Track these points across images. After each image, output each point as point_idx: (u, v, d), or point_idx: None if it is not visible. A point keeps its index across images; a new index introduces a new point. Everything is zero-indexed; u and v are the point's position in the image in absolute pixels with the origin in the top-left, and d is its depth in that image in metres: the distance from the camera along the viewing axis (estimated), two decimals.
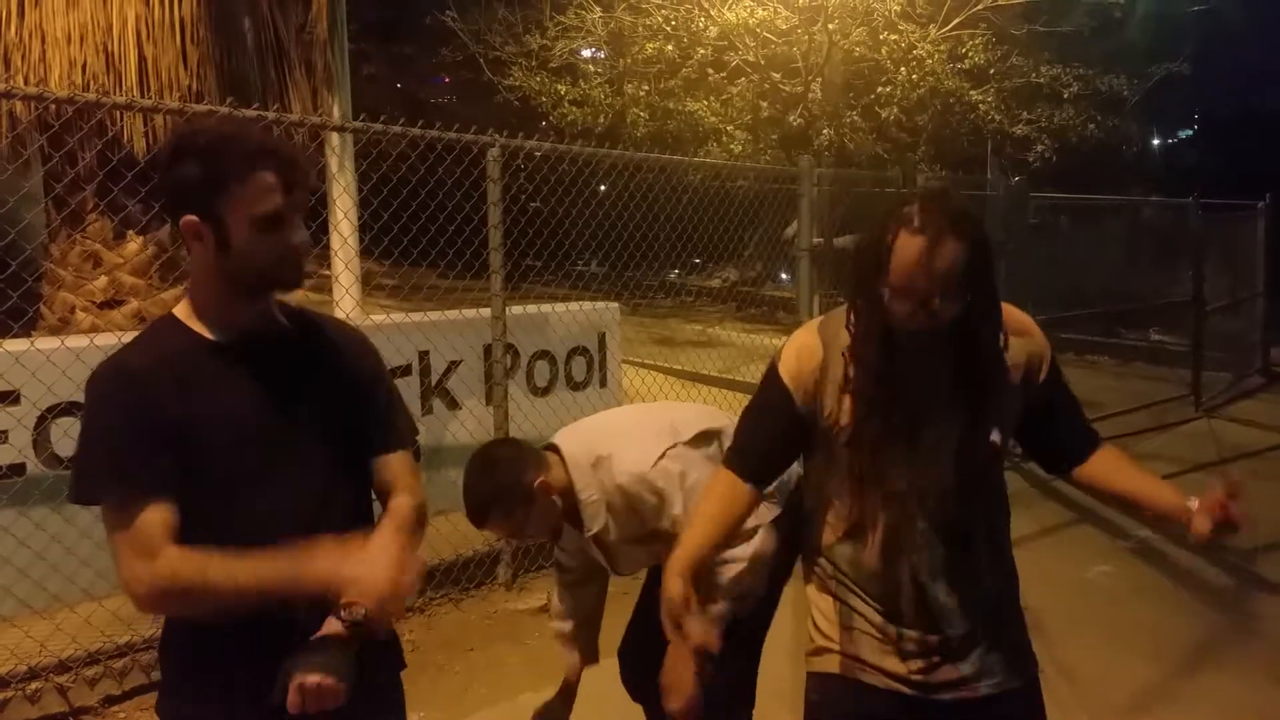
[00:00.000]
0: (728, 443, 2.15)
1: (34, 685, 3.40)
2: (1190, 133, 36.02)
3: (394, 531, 1.65)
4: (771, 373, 1.97)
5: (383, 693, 1.70)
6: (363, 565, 1.53)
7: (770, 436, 1.99)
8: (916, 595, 1.90)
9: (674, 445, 2.36)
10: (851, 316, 1.85)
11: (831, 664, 1.99)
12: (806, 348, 1.93)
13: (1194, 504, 1.84)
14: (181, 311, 1.65)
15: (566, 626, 2.71)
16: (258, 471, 1.59)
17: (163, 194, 1.61)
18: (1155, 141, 31.17)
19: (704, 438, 2.42)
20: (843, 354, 1.88)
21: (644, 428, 2.45)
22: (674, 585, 1.83)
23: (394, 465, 1.77)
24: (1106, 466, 1.98)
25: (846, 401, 1.87)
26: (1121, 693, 3.66)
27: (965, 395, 1.84)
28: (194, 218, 1.55)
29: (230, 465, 1.58)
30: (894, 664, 1.93)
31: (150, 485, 1.52)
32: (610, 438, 2.41)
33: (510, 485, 2.30)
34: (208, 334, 1.62)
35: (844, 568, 1.98)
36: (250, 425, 1.60)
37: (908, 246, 1.68)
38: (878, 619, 1.94)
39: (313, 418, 1.66)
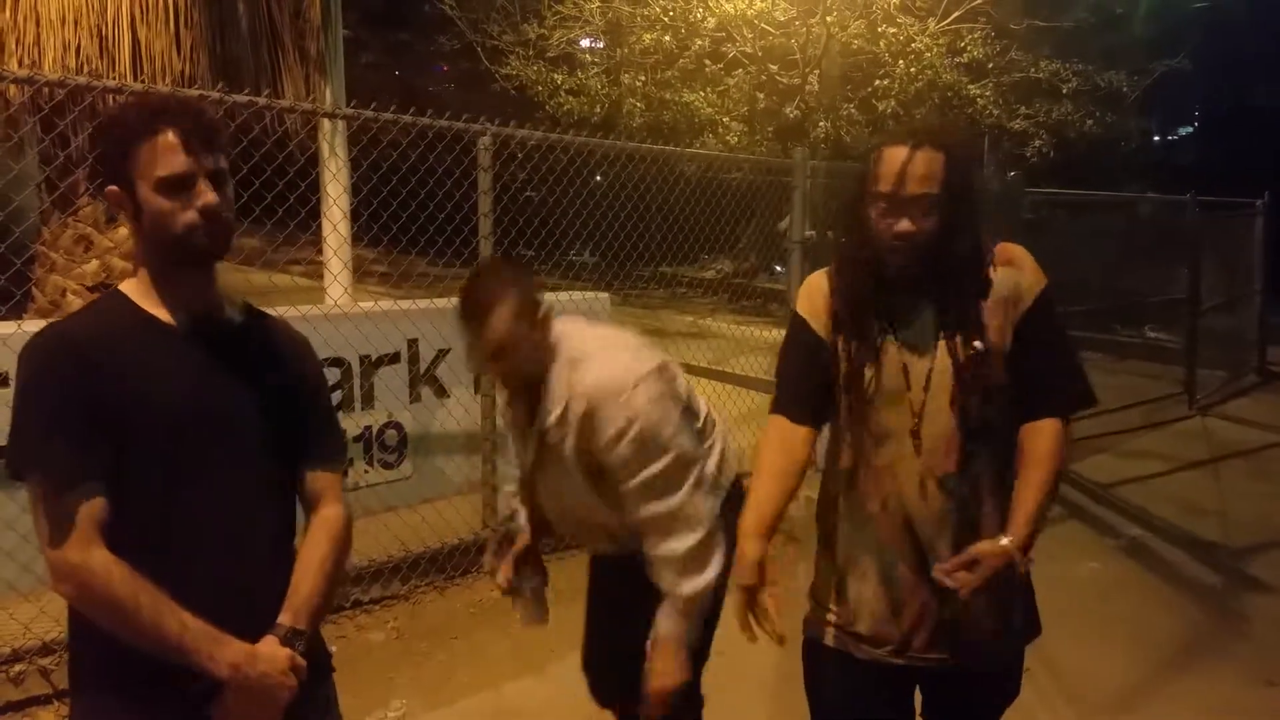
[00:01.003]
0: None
1: (18, 667, 3.41)
2: (1190, 129, 35.97)
3: (330, 555, 1.68)
4: (792, 316, 2.05)
5: (313, 699, 1.67)
6: (261, 679, 1.52)
7: (809, 372, 2.00)
8: (913, 545, 1.89)
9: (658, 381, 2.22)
10: (838, 253, 1.95)
11: (825, 634, 2.01)
12: (816, 286, 2.03)
13: (1001, 543, 1.82)
14: (129, 288, 1.61)
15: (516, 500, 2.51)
16: (196, 460, 1.55)
17: (92, 174, 1.60)
18: (1155, 138, 31.15)
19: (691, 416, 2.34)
20: (830, 290, 1.97)
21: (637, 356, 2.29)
22: (751, 548, 1.84)
23: (327, 476, 1.76)
24: (1023, 445, 1.89)
25: (841, 338, 1.94)
26: (1107, 689, 3.68)
27: (948, 316, 1.87)
28: (115, 188, 1.55)
29: (168, 450, 1.52)
30: (888, 633, 1.93)
31: (84, 465, 1.46)
32: (599, 343, 2.28)
33: (526, 294, 2.14)
34: (157, 313, 1.58)
35: (844, 522, 1.98)
36: (192, 411, 1.55)
37: (891, 156, 1.82)
38: (875, 582, 1.93)
39: (255, 414, 1.63)
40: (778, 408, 2.03)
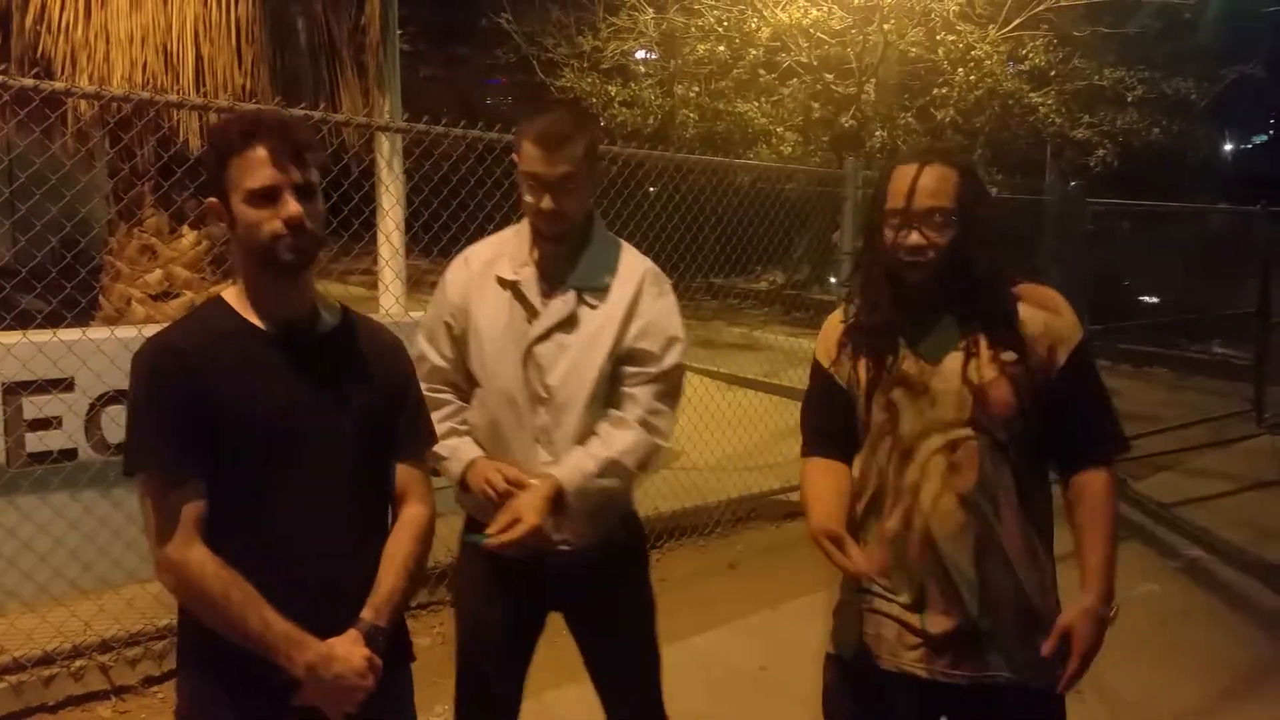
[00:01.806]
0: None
1: (78, 663, 3.51)
2: (1264, 138, 34.90)
3: (404, 560, 1.76)
4: (813, 360, 2.10)
5: (387, 687, 1.73)
6: (335, 680, 1.61)
7: (830, 414, 2.03)
8: (937, 564, 1.88)
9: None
10: (857, 275, 1.99)
11: (848, 650, 2.00)
12: (831, 323, 2.07)
13: (1085, 605, 1.84)
14: (230, 295, 1.71)
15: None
16: (287, 461, 1.64)
17: (199, 184, 1.70)
18: (1227, 147, 30.29)
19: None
20: (848, 313, 2.02)
21: None
22: (824, 526, 1.82)
23: (413, 472, 1.84)
24: (1072, 501, 1.92)
25: (861, 362, 1.97)
26: (1162, 714, 3.57)
27: (968, 333, 1.88)
28: (214, 199, 1.65)
29: (261, 452, 1.62)
30: (913, 648, 1.92)
31: (187, 465, 1.58)
32: None
33: (596, 137, 2.17)
34: (255, 320, 1.67)
35: (870, 542, 1.96)
36: (283, 415, 1.64)
37: (901, 174, 1.87)
38: (901, 599, 1.93)
39: (351, 414, 1.72)
40: (808, 451, 2.05)
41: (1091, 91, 13.70)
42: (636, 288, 2.20)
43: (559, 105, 2.18)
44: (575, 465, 2.10)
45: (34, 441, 3.81)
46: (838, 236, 6.56)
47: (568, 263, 2.18)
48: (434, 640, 3.98)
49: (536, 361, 2.14)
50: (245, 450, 1.61)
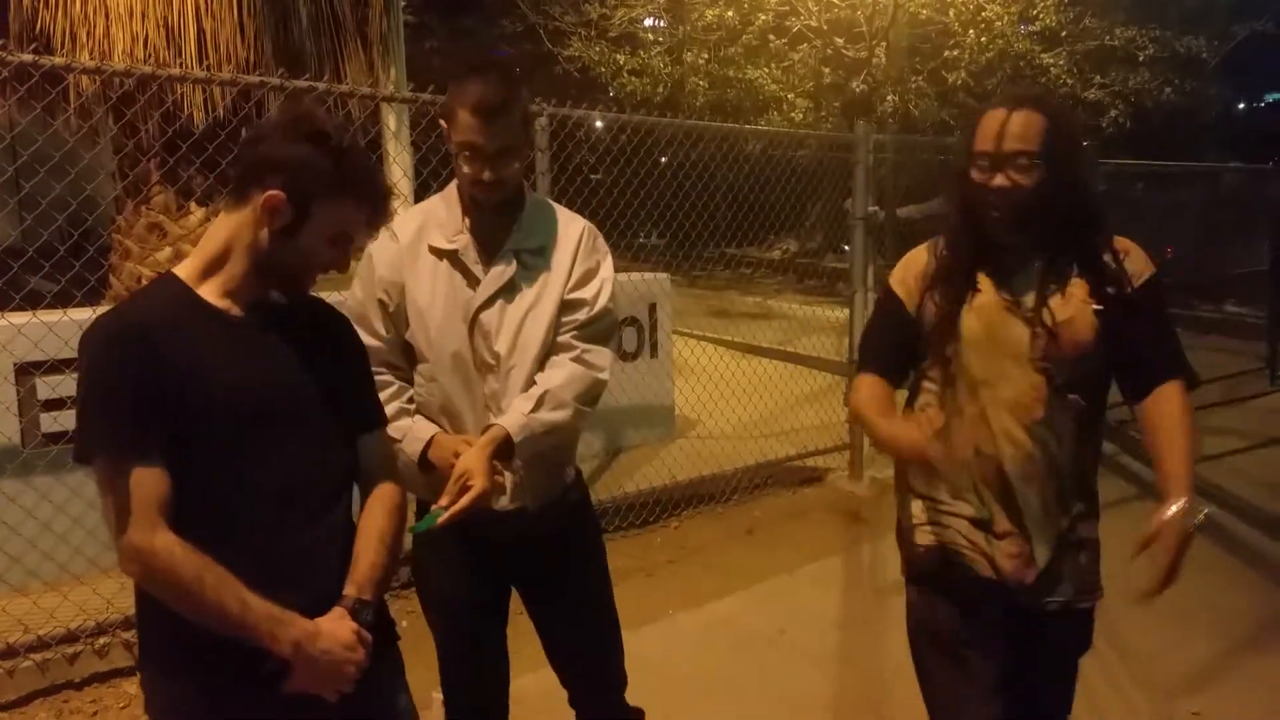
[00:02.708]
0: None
1: (102, 640, 3.53)
2: (1277, 96, 34.48)
3: (380, 535, 1.71)
4: (884, 287, 2.18)
5: (376, 670, 1.70)
6: (323, 655, 1.56)
7: (892, 340, 2.14)
8: (1004, 489, 1.99)
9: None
10: (946, 218, 2.07)
11: (927, 541, 2.10)
12: (913, 258, 2.14)
13: (1170, 512, 1.90)
14: (186, 273, 1.62)
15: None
16: (255, 439, 1.58)
17: (260, 158, 1.58)
18: (1240, 105, 29.93)
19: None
20: (935, 250, 2.09)
21: None
22: (908, 435, 1.94)
23: (378, 446, 1.81)
24: (1150, 415, 1.97)
25: (940, 297, 2.04)
26: (1178, 670, 3.58)
27: (1050, 271, 1.97)
28: (281, 195, 1.55)
29: (228, 432, 1.55)
30: (982, 571, 2.03)
31: (143, 444, 1.48)
32: None
33: (528, 103, 2.15)
34: (213, 300, 1.61)
35: (936, 468, 2.06)
36: (250, 394, 1.59)
37: (991, 117, 1.94)
38: (967, 523, 2.04)
39: (313, 390, 1.67)
40: (863, 366, 2.17)
41: (1103, 52, 13.55)
42: (575, 246, 2.20)
43: (490, 67, 2.04)
44: (515, 409, 2.08)
45: (48, 422, 3.82)
46: (850, 204, 6.52)
47: (503, 228, 2.14)
48: (410, 620, 4.00)
49: (482, 329, 2.11)
50: (210, 431, 1.53)
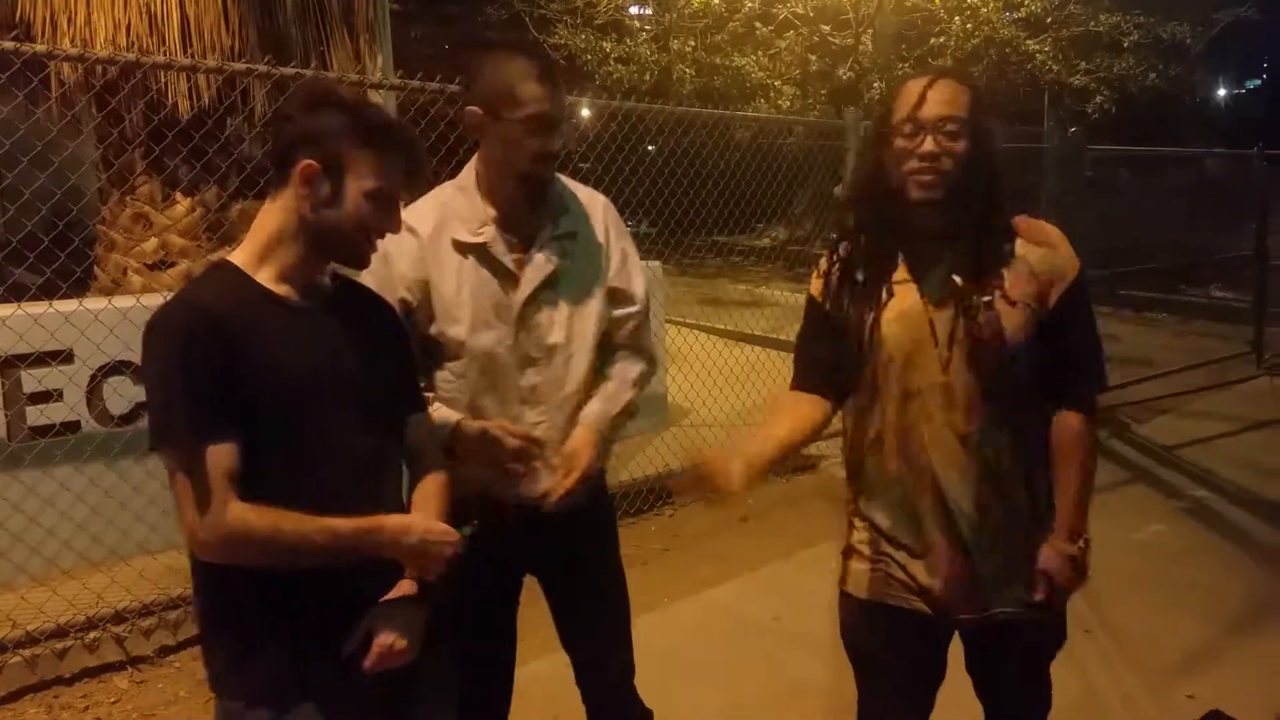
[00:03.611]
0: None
1: (92, 635, 3.51)
2: (1258, 82, 34.67)
3: (439, 499, 1.78)
4: (808, 295, 2.05)
5: (439, 662, 1.78)
6: (429, 531, 1.65)
7: (817, 345, 2.00)
8: (939, 504, 1.89)
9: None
10: (856, 202, 1.97)
11: (859, 586, 2.01)
12: (824, 261, 2.02)
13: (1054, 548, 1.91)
14: (241, 259, 1.65)
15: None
16: (321, 426, 1.63)
17: (289, 137, 1.61)
18: (1221, 92, 30.09)
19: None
20: (842, 247, 1.98)
21: None
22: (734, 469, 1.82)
23: (425, 424, 1.87)
24: (1053, 439, 1.93)
25: (860, 296, 1.92)
26: (1171, 653, 3.59)
27: (964, 268, 1.84)
28: (315, 163, 1.58)
29: (294, 418, 1.60)
30: (918, 592, 1.94)
31: (217, 428, 1.52)
32: None
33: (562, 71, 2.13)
34: (273, 288, 1.64)
35: (870, 483, 1.98)
36: (315, 380, 1.63)
37: (911, 87, 1.83)
38: (905, 539, 1.94)
39: (366, 376, 1.70)
40: (793, 385, 2.05)
41: (1088, 38, 13.58)
42: (604, 224, 2.18)
43: (514, 48, 2.02)
44: (600, 403, 2.13)
45: (35, 415, 3.79)
46: (840, 190, 6.51)
47: (531, 215, 2.07)
48: None
49: (529, 323, 2.06)
50: (278, 413, 1.58)
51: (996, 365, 1.83)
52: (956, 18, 12.68)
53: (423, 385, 2.01)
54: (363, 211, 1.61)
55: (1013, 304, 1.83)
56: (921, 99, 1.79)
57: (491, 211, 2.05)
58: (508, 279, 2.04)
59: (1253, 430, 6.79)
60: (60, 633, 3.45)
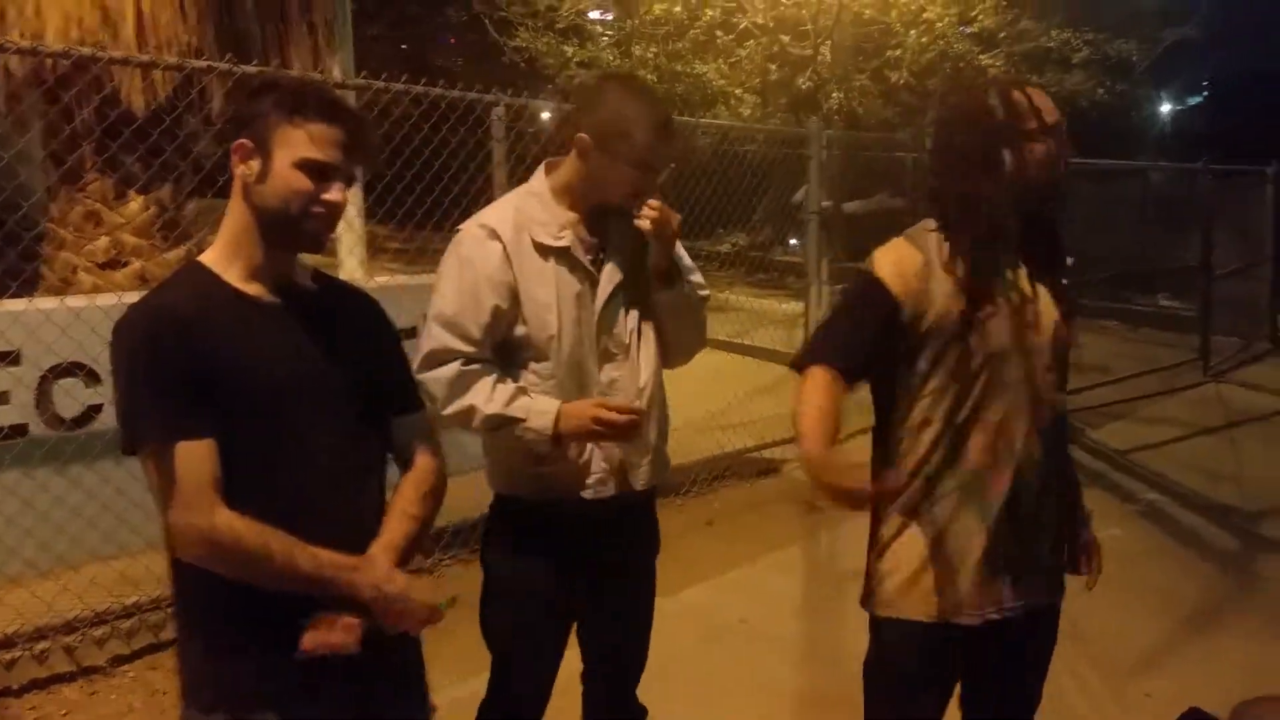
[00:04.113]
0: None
1: (41, 645, 3.41)
2: (1200, 99, 35.66)
3: (417, 503, 1.72)
4: (868, 280, 1.94)
5: (406, 670, 1.74)
6: (402, 592, 1.59)
7: (866, 336, 1.95)
8: (1013, 499, 1.91)
9: None
10: (954, 212, 1.93)
11: (917, 607, 1.94)
12: (905, 254, 1.95)
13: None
14: (210, 259, 1.63)
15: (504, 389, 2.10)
16: (295, 428, 1.60)
17: (231, 127, 1.61)
18: (1165, 107, 30.88)
19: None
20: (933, 247, 1.94)
21: None
22: (820, 456, 1.82)
23: (417, 424, 1.82)
24: None
25: (957, 293, 1.89)
26: (1130, 651, 3.67)
27: (1043, 269, 1.96)
28: (247, 141, 1.57)
29: (267, 422, 1.57)
30: (992, 590, 1.92)
31: (196, 424, 1.50)
32: None
33: None
34: (244, 288, 1.61)
35: (946, 482, 1.93)
36: (288, 382, 1.60)
37: (1038, 93, 1.91)
38: (981, 539, 1.91)
39: (343, 377, 1.67)
40: (817, 357, 1.93)
41: (1039, 53, 13.82)
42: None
43: (638, 89, 2.18)
44: None
45: None
46: (799, 196, 6.56)
47: (599, 224, 2.17)
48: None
49: (607, 322, 2.15)
50: (251, 416, 1.55)
51: (1066, 363, 1.96)
52: (912, 31, 12.84)
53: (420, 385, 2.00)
54: (291, 181, 1.56)
55: (1065, 307, 1.99)
56: (1053, 107, 1.90)
57: (572, 216, 2.14)
58: (588, 280, 2.13)
59: (1202, 435, 6.98)
60: (7, 643, 3.36)
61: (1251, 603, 4.22)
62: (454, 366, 2.05)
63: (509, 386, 2.07)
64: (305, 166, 1.56)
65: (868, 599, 2.05)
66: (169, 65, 3.81)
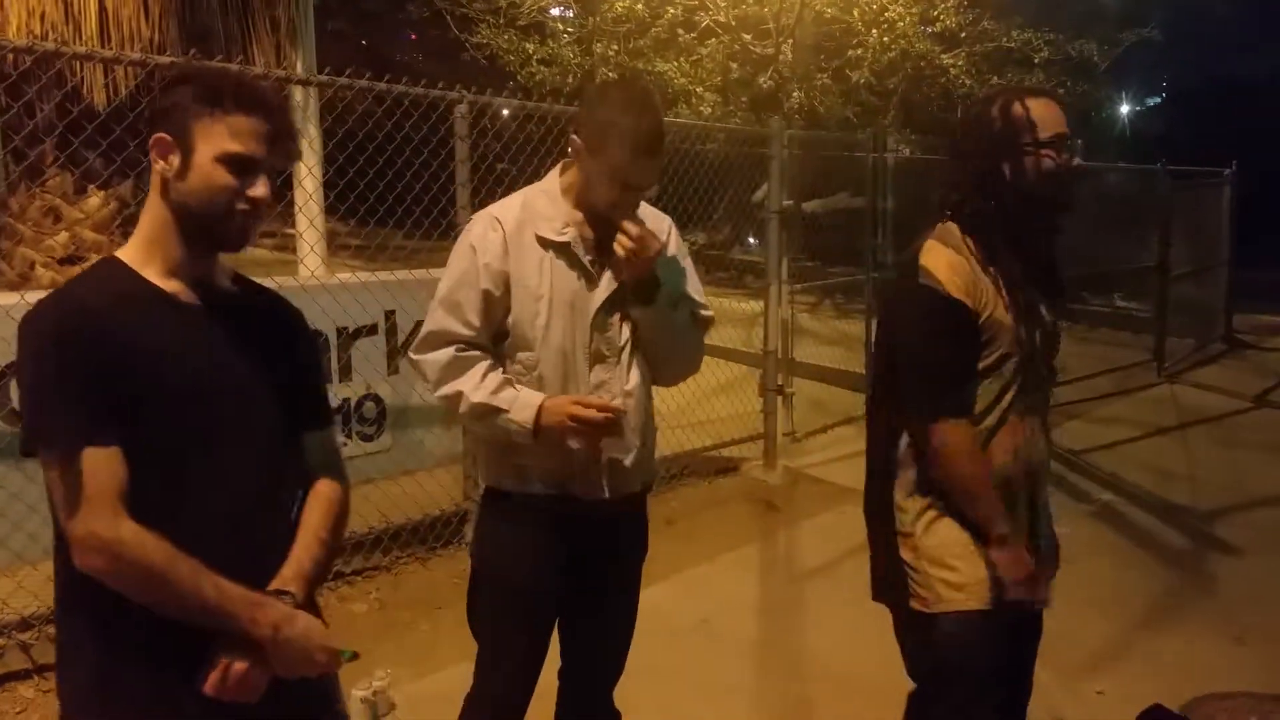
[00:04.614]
0: None
1: None
2: (1159, 100, 36.23)
3: (327, 528, 1.66)
4: (948, 304, 1.94)
5: (309, 696, 1.64)
6: (300, 639, 1.51)
7: (972, 359, 1.98)
8: (1030, 495, 2.07)
9: None
10: (979, 218, 2.00)
11: (974, 599, 1.99)
12: (954, 260, 1.97)
13: None
14: (128, 255, 1.56)
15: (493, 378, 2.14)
16: (207, 433, 1.53)
17: (147, 120, 1.55)
18: (1124, 108, 31.34)
19: None
20: (973, 253, 1.99)
21: None
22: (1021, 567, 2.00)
23: (325, 442, 1.76)
24: None
25: (1000, 301, 1.97)
26: (1080, 650, 3.72)
27: (1041, 274, 2.07)
28: (167, 135, 1.51)
29: (179, 424, 1.50)
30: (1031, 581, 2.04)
31: (100, 429, 1.42)
32: None
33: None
34: (162, 285, 1.54)
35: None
36: (203, 384, 1.53)
37: (1047, 104, 1.98)
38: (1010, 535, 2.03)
39: (264, 380, 1.62)
40: (946, 409, 1.96)
41: (1000, 53, 13.98)
42: (671, 241, 2.30)
43: (634, 99, 2.10)
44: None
45: None
46: (760, 195, 6.60)
47: (608, 225, 2.15)
48: (371, 606, 3.95)
49: (603, 323, 2.15)
50: (163, 420, 1.48)
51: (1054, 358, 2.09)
52: (874, 31, 12.94)
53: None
54: (215, 177, 1.50)
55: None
56: (1062, 118, 1.97)
57: (577, 215, 2.15)
58: (588, 279, 2.14)
59: (1156, 435, 7.09)
60: None
61: (1202, 602, 4.29)
62: (449, 351, 2.09)
63: (498, 376, 2.11)
64: (228, 161, 1.50)
65: (916, 598, 2.06)
66: (132, 61, 3.77)
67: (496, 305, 2.13)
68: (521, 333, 2.13)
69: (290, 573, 1.59)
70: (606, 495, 2.19)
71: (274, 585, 1.56)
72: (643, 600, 4.13)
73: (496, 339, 2.16)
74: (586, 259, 2.15)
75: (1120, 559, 4.75)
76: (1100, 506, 5.51)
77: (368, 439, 4.67)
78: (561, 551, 2.22)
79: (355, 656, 1.65)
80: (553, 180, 2.22)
